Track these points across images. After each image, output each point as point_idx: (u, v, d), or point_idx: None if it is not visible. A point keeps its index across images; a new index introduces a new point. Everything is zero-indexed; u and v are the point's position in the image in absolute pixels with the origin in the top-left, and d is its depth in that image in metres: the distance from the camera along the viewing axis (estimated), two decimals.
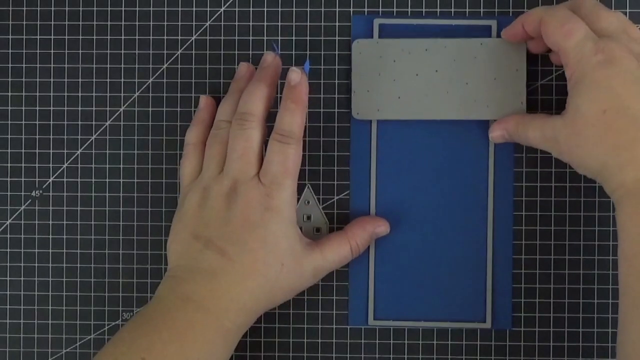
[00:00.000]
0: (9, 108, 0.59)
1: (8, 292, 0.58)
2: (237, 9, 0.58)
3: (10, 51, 0.59)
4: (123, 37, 0.58)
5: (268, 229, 0.51)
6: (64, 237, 0.58)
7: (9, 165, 0.59)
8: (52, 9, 0.58)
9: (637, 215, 0.47)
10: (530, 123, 0.53)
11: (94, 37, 0.58)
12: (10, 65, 0.59)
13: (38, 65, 0.59)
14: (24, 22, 0.59)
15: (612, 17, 0.51)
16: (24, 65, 0.59)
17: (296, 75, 0.52)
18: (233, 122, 0.53)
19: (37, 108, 0.59)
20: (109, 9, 0.58)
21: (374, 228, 0.55)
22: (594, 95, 0.48)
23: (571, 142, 0.50)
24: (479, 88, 0.56)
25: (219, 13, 0.58)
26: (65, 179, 0.58)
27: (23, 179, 0.58)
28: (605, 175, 0.49)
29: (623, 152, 0.48)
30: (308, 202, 0.58)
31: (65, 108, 0.58)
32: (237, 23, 0.58)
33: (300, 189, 0.57)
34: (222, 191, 0.52)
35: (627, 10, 0.57)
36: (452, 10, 0.57)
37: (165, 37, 0.58)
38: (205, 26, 0.58)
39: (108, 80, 0.58)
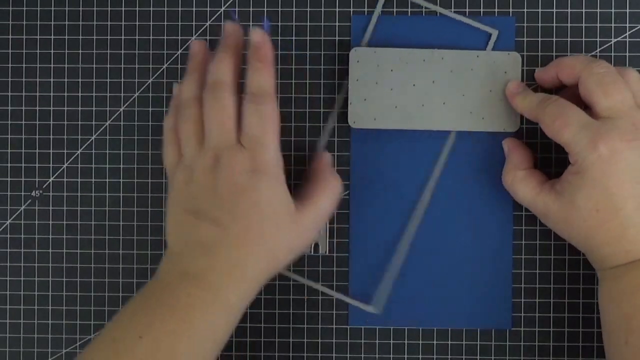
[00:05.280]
0: (9, 108, 0.59)
1: (8, 292, 0.58)
2: (237, 9, 0.58)
3: (10, 51, 0.59)
4: (123, 37, 0.58)
5: (258, 192, 0.49)
6: (64, 237, 0.58)
7: (9, 165, 0.59)
8: (52, 9, 0.59)
9: (612, 297, 0.51)
10: (524, 181, 0.53)
11: (94, 37, 0.59)
12: (10, 65, 0.59)
13: (38, 65, 0.59)
14: (24, 22, 0.59)
15: (619, 94, 0.50)
16: (24, 65, 0.59)
17: (258, 35, 0.51)
18: (204, 94, 0.51)
19: (37, 108, 0.59)
20: (109, 9, 0.59)
21: (328, 160, 0.55)
22: (591, 194, 0.49)
23: (560, 226, 0.52)
24: (475, 100, 0.56)
25: (219, 13, 0.58)
26: (65, 179, 0.58)
27: (23, 179, 0.59)
28: (588, 258, 0.53)
29: (607, 247, 0.50)
30: None
31: (65, 108, 0.59)
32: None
33: None
34: (206, 164, 0.50)
35: (627, 11, 0.57)
36: (452, 10, 0.57)
37: (165, 37, 0.58)
38: (205, 26, 0.58)
39: (108, 80, 0.58)
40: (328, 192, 0.53)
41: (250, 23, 0.58)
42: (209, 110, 0.51)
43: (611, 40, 0.57)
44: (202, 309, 0.48)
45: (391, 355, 0.57)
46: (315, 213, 0.52)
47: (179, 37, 0.58)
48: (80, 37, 0.59)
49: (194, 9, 0.58)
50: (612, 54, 0.57)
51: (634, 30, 0.57)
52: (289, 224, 0.50)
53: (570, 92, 0.53)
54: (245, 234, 0.49)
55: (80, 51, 0.59)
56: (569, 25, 0.57)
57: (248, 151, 0.50)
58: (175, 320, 0.48)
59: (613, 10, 0.57)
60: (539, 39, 0.57)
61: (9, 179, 0.59)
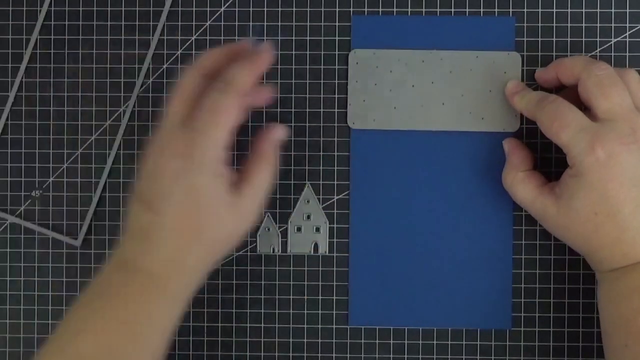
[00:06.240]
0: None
1: (8, 292, 0.58)
2: (237, 9, 0.58)
3: (10, 51, 0.59)
4: (123, 37, 0.58)
5: (193, 181, 0.47)
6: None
7: (9, 165, 0.59)
8: (53, 9, 0.59)
9: (611, 300, 0.51)
10: (523, 182, 0.53)
11: (94, 37, 0.59)
12: (10, 65, 0.59)
13: (38, 65, 0.59)
14: (24, 22, 0.59)
15: (618, 96, 0.50)
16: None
17: (268, 49, 0.50)
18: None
19: (37, 108, 0.59)
20: (109, 9, 0.59)
21: (275, 136, 0.52)
22: (588, 197, 0.49)
23: (558, 229, 0.52)
24: (474, 100, 0.56)
25: (219, 13, 0.58)
26: (65, 179, 0.58)
27: (23, 179, 0.58)
28: (587, 260, 0.53)
29: (604, 250, 0.50)
30: (308, 202, 0.58)
31: (65, 108, 0.58)
32: (237, 23, 0.58)
33: (300, 188, 0.57)
34: (153, 140, 0.49)
35: (627, 11, 0.57)
36: (452, 10, 0.57)
37: (165, 37, 0.58)
38: (205, 26, 0.58)
39: (108, 80, 0.58)
40: (265, 174, 0.51)
41: (251, 23, 0.58)
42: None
43: (611, 40, 0.57)
44: (141, 297, 0.47)
45: (391, 355, 0.57)
46: (253, 195, 0.50)
47: (179, 37, 0.58)
48: (80, 37, 0.59)
49: (194, 9, 0.58)
50: (612, 54, 0.57)
51: (634, 30, 0.57)
52: (229, 214, 0.49)
53: (570, 93, 0.53)
54: (181, 225, 0.47)
55: (80, 51, 0.59)
56: (569, 25, 0.57)
57: (189, 135, 0.47)
58: (114, 310, 0.47)
59: (613, 10, 0.57)
60: (539, 39, 0.57)
61: (9, 179, 0.59)
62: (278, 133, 0.53)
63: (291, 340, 0.58)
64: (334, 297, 0.58)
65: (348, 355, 0.57)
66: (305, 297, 0.58)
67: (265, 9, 0.58)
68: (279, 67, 0.58)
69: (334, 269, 0.57)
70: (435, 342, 0.57)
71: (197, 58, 0.51)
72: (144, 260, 0.47)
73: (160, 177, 0.47)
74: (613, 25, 0.57)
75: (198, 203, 0.47)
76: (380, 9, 0.58)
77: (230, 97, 0.48)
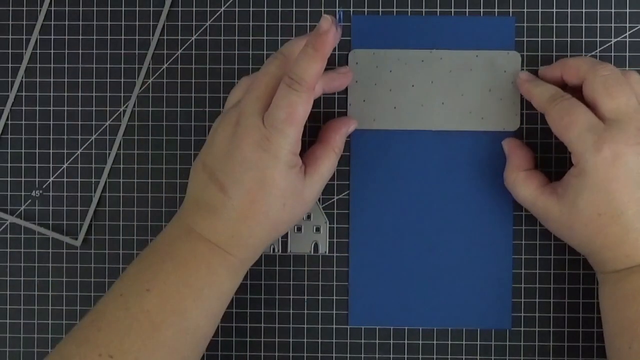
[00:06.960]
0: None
1: (8, 292, 0.58)
2: (237, 9, 0.58)
3: (10, 51, 0.59)
4: (123, 37, 0.58)
5: (265, 173, 0.49)
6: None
7: (9, 165, 0.59)
8: (53, 9, 0.59)
9: (614, 302, 0.51)
10: (525, 182, 0.53)
11: (94, 37, 0.59)
12: (10, 65, 0.59)
13: (38, 65, 0.59)
14: (24, 22, 0.59)
15: (624, 96, 0.50)
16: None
17: (326, 23, 0.48)
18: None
19: (37, 108, 0.59)
20: (109, 9, 0.59)
21: (347, 128, 0.55)
22: (592, 198, 0.49)
23: (560, 229, 0.52)
24: (474, 100, 0.56)
25: (219, 13, 0.58)
26: (65, 179, 0.58)
27: (23, 179, 0.59)
28: (589, 261, 0.53)
29: (607, 251, 0.50)
30: None
31: (65, 108, 0.59)
32: (237, 23, 0.58)
33: None
34: (230, 121, 0.51)
35: (627, 11, 0.57)
36: (452, 10, 0.57)
37: (165, 37, 0.58)
38: (205, 26, 0.58)
39: (108, 80, 0.58)
40: (330, 162, 0.53)
41: (250, 23, 0.58)
42: (257, 75, 0.51)
43: (611, 40, 0.57)
44: (206, 262, 0.50)
45: (391, 355, 0.57)
46: (318, 181, 0.52)
47: (179, 37, 0.58)
48: (80, 37, 0.59)
49: (194, 9, 0.58)
50: (612, 54, 0.57)
51: (634, 30, 0.57)
52: (294, 201, 0.51)
53: (573, 95, 0.52)
54: (248, 209, 0.50)
55: (80, 51, 0.59)
56: (569, 25, 0.57)
57: (266, 130, 0.49)
58: (179, 271, 0.49)
59: (613, 10, 0.57)
60: (539, 39, 0.57)
61: (9, 179, 0.59)
62: (350, 126, 0.55)
63: (291, 340, 0.58)
64: (334, 297, 0.58)
65: (348, 355, 0.57)
66: (305, 297, 0.58)
67: (265, 9, 0.58)
68: None
69: (334, 269, 0.57)
70: (435, 342, 0.57)
71: (283, 45, 0.53)
72: (209, 234, 0.50)
73: (234, 162, 0.50)
74: (613, 25, 0.57)
75: (268, 192, 0.50)
76: (380, 9, 0.58)
77: (305, 96, 0.49)
